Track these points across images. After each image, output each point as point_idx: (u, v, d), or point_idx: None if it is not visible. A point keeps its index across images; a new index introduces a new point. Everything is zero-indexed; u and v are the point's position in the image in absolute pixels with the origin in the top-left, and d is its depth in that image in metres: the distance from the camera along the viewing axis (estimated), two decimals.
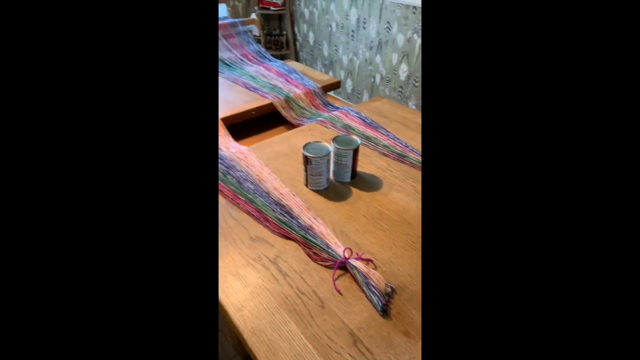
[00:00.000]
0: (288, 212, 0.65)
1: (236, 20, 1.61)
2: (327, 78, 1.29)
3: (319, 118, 1.01)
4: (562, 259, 0.28)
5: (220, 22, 1.59)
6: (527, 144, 0.29)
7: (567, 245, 0.28)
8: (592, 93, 0.28)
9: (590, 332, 0.27)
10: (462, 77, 0.30)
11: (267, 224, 0.63)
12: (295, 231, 0.60)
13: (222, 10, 1.76)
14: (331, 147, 0.71)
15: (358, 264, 0.54)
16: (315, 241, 0.58)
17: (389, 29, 1.99)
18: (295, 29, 2.66)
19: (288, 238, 0.60)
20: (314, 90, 1.18)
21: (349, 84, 2.42)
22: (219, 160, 0.80)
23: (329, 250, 0.57)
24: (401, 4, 1.87)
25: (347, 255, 0.55)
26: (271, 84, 1.21)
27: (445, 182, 0.30)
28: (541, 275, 0.28)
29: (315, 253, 0.57)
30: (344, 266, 0.55)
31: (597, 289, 0.27)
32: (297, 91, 1.16)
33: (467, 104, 0.30)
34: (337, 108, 1.13)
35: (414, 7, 1.82)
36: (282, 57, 2.80)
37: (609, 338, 0.27)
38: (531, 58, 0.29)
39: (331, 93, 2.38)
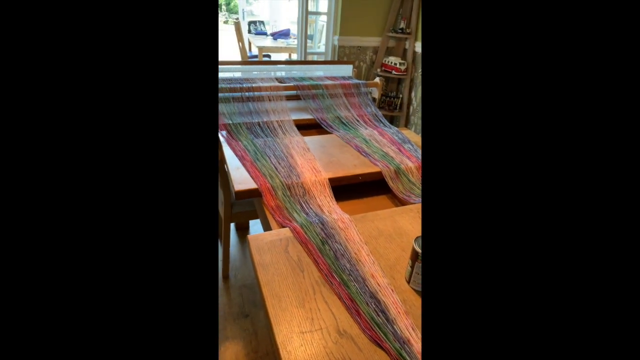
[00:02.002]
0: (383, 311, 0.57)
1: (360, 81, 1.67)
2: None
3: None
4: (563, 263, 0.28)
5: (345, 81, 1.68)
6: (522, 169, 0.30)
7: (567, 250, 0.28)
8: (579, 100, 0.28)
9: (587, 335, 0.27)
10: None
11: (358, 319, 0.56)
12: (390, 341, 0.52)
13: (348, 70, 1.87)
14: None
15: None
16: None
17: None
18: (412, 94, 2.68)
19: (379, 346, 0.52)
20: None
21: None
22: (320, 226, 0.78)
23: None
24: None
25: None
26: (383, 150, 1.19)
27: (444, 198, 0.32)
28: (542, 286, 0.28)
29: None
30: None
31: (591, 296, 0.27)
32: (409, 163, 1.11)
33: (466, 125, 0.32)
34: None
35: None
36: (392, 118, 2.83)
37: (609, 338, 0.26)
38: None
39: None
